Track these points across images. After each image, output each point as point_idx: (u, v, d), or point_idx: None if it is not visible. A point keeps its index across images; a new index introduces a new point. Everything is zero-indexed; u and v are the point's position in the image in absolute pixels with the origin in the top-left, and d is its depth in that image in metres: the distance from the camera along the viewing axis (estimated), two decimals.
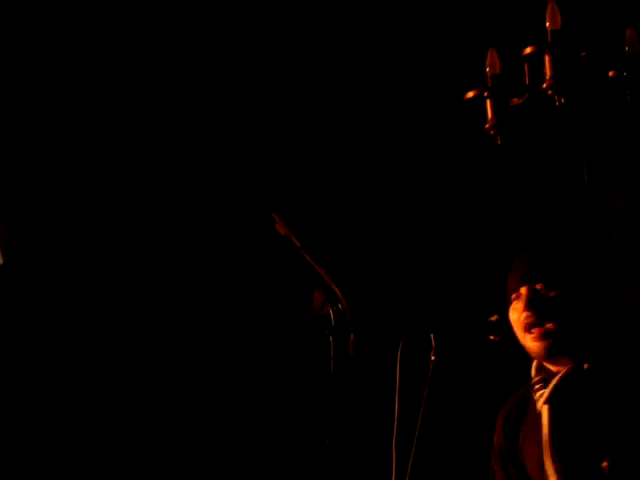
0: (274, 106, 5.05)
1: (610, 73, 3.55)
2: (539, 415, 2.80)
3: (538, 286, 2.76)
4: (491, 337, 2.83)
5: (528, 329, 2.74)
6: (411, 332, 2.82)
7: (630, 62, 3.53)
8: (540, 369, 2.83)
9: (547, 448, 2.75)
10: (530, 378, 2.86)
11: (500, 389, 3.57)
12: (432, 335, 2.81)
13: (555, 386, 2.76)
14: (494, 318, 2.82)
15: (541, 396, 2.79)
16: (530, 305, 2.74)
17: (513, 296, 2.80)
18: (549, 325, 2.73)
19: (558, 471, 2.71)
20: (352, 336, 2.98)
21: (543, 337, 2.73)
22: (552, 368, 2.78)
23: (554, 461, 2.72)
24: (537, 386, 2.81)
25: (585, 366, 2.73)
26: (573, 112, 3.71)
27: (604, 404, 2.70)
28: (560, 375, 2.75)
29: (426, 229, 4.83)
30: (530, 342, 2.75)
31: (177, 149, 5.12)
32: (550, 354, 2.74)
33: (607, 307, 2.89)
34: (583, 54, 3.58)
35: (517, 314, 2.76)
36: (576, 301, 2.76)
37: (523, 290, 2.77)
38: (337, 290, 3.00)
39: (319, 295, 3.12)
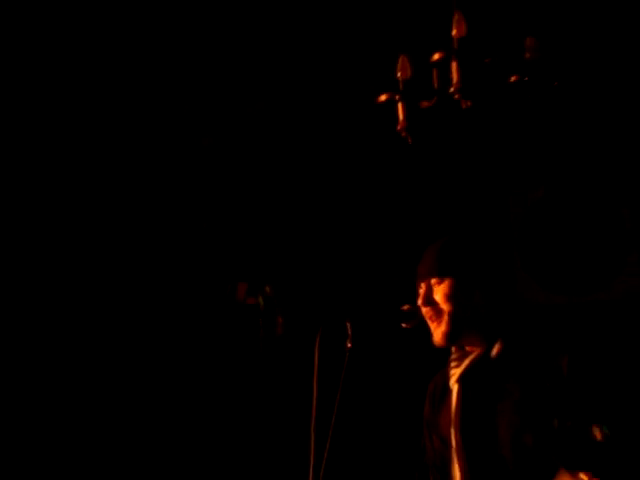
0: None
1: (512, 78, 3.51)
2: (451, 391, 2.85)
3: (432, 281, 2.80)
4: (403, 325, 2.84)
5: (430, 320, 2.80)
6: (329, 321, 2.80)
7: (530, 68, 3.51)
8: (459, 347, 2.85)
9: (453, 422, 2.80)
10: (450, 354, 2.90)
11: (413, 373, 3.69)
12: (348, 324, 2.80)
13: (465, 368, 2.79)
14: (406, 307, 2.82)
15: (453, 375, 2.84)
16: (426, 301, 2.80)
17: (419, 291, 2.84)
18: (441, 317, 2.77)
19: (460, 443, 2.76)
20: (280, 318, 3.01)
21: (438, 327, 2.78)
22: (467, 348, 2.82)
23: (458, 434, 2.77)
24: (452, 364, 2.86)
25: (492, 353, 2.74)
26: (478, 114, 3.65)
27: (507, 386, 2.70)
28: (470, 358, 2.79)
29: (342, 225, 4.87)
30: (432, 333, 2.79)
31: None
32: (449, 340, 2.79)
33: (510, 298, 2.88)
34: (487, 60, 3.53)
35: (421, 309, 2.82)
36: (464, 289, 2.78)
37: (423, 286, 2.82)
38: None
39: (242, 287, 3.10)
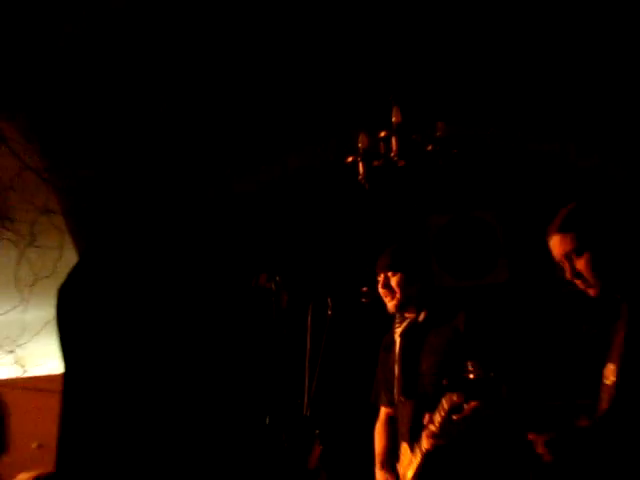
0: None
1: (429, 147, 4.24)
2: (395, 342, 3.39)
3: (389, 273, 3.34)
4: (363, 300, 3.30)
5: (385, 298, 3.36)
6: (317, 298, 3.21)
7: (440, 141, 4.23)
8: (400, 314, 3.37)
9: (396, 361, 3.34)
10: (395, 318, 3.39)
11: (370, 331, 3.96)
12: (329, 299, 3.24)
13: (404, 328, 3.35)
14: (364, 289, 3.30)
15: (396, 332, 3.38)
16: (384, 285, 3.34)
17: (378, 278, 3.37)
18: (394, 296, 3.34)
19: (400, 375, 3.31)
20: (285, 297, 3.28)
21: (391, 302, 3.34)
22: (405, 315, 3.38)
23: (399, 369, 3.31)
24: (396, 324, 3.40)
25: (420, 319, 3.31)
26: (409, 169, 4.26)
27: (429, 340, 3.25)
28: (407, 321, 3.35)
29: (328, 236, 5.59)
30: (387, 305, 3.37)
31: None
32: (397, 311, 3.38)
33: (431, 283, 3.38)
34: (414, 136, 4.22)
35: (380, 290, 3.35)
36: (409, 280, 3.33)
37: (381, 276, 3.36)
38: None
39: (263, 276, 3.39)
